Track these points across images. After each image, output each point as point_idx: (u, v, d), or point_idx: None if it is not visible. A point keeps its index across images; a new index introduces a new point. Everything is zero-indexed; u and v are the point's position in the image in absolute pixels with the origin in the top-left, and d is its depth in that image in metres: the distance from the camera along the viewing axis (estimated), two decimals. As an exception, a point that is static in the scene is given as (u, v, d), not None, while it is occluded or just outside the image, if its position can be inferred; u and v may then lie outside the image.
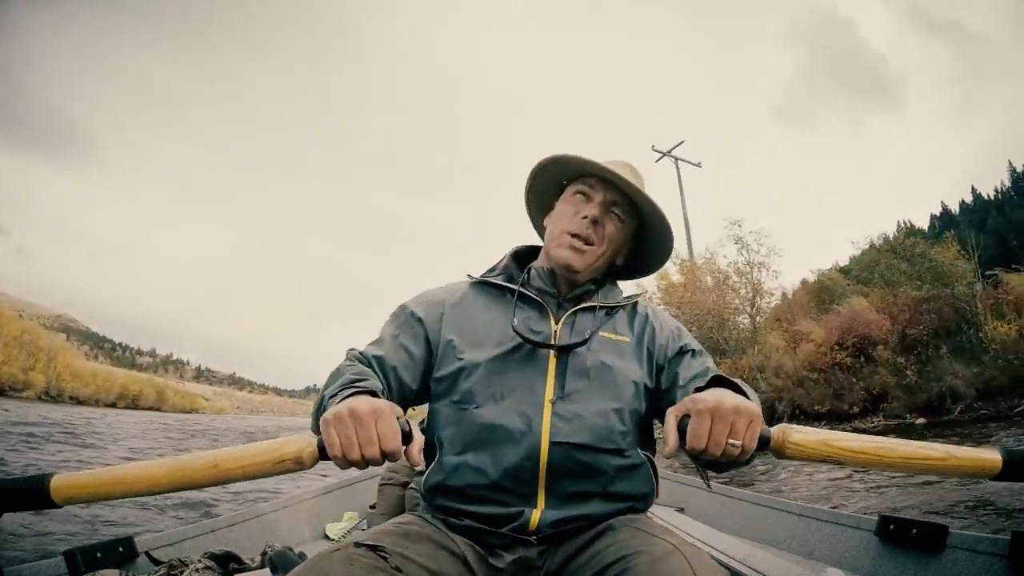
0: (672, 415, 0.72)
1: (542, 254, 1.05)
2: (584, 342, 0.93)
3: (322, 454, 0.67)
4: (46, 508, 0.65)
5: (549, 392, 0.90)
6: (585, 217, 0.98)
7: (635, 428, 0.93)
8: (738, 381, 0.80)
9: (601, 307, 1.00)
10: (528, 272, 1.03)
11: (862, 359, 13.36)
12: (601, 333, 0.97)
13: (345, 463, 0.66)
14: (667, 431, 0.71)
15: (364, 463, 0.66)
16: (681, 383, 0.94)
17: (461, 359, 0.93)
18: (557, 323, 0.97)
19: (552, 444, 0.85)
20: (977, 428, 8.98)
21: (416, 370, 0.97)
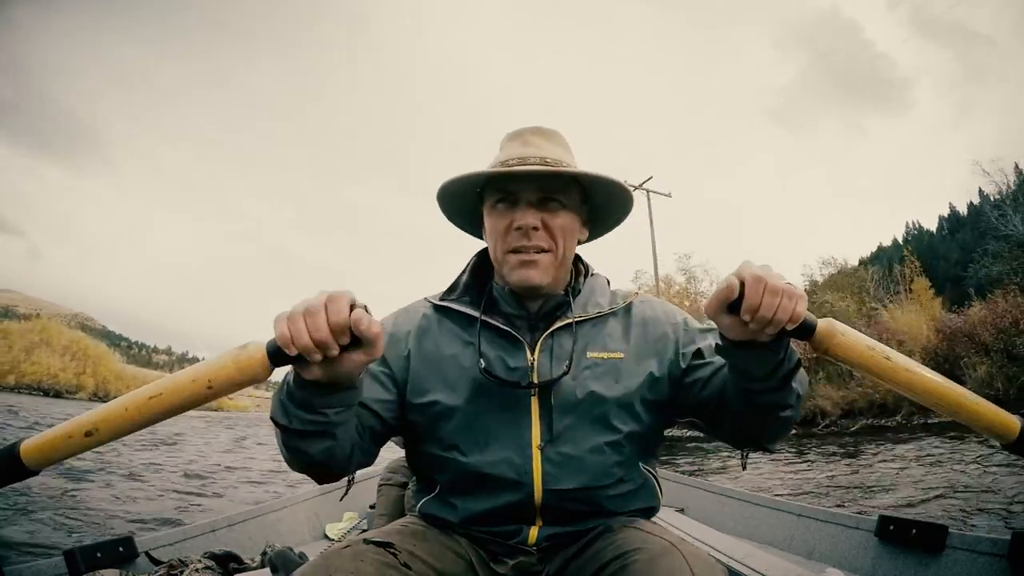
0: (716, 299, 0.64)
1: (497, 271, 0.92)
2: (566, 372, 0.83)
3: (273, 356, 0.61)
4: (25, 477, 0.61)
5: (536, 437, 0.83)
6: (519, 228, 0.84)
7: (636, 451, 0.88)
8: None
9: (581, 321, 0.89)
10: (490, 293, 0.92)
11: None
12: (589, 353, 0.87)
13: (296, 354, 0.60)
14: (712, 307, 0.65)
15: (316, 348, 0.59)
16: (697, 387, 0.85)
17: (436, 402, 0.85)
18: (533, 352, 0.86)
19: (546, 491, 0.82)
20: (835, 440, 10.52)
21: (391, 405, 0.87)
